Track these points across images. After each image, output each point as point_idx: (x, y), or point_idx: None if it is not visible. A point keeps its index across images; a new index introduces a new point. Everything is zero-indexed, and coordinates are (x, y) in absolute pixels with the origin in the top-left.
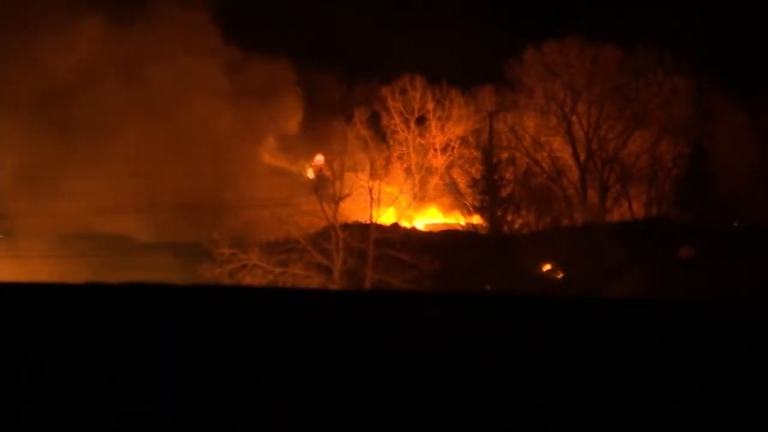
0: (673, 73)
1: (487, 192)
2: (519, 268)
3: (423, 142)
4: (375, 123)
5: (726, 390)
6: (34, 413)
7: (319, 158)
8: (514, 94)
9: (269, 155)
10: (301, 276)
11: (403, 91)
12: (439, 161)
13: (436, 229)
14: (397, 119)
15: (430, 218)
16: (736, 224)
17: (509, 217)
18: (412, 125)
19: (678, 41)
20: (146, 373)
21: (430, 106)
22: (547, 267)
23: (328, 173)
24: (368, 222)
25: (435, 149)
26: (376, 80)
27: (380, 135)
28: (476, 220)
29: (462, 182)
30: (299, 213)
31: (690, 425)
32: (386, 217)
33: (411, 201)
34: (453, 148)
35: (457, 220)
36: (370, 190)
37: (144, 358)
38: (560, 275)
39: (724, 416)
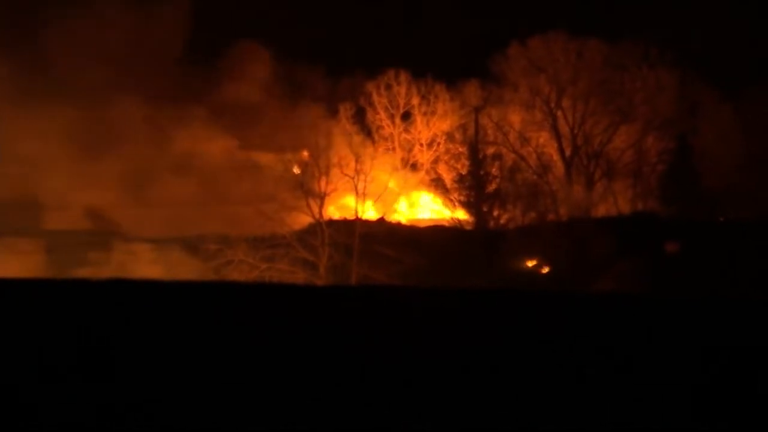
0: (657, 67)
1: (473, 187)
2: (505, 263)
3: (408, 137)
4: (360, 118)
5: (713, 386)
6: (24, 411)
7: (305, 154)
8: (499, 89)
9: (255, 151)
10: (286, 271)
11: (388, 87)
12: (424, 156)
13: (421, 225)
14: (382, 114)
15: (416, 214)
16: (721, 219)
17: (495, 213)
18: (398, 121)
19: (663, 35)
20: (132, 370)
21: (415, 101)
22: (532, 262)
23: (313, 169)
24: (354, 218)
25: (420, 144)
26: (361, 75)
27: (365, 130)
28: (462, 215)
29: (448, 177)
30: (285, 209)
31: (677, 421)
32: (372, 212)
33: (397, 197)
34: (438, 144)
35: (443, 215)
36: (356, 186)
37: (129, 354)
38: (546, 270)
39: (710, 413)
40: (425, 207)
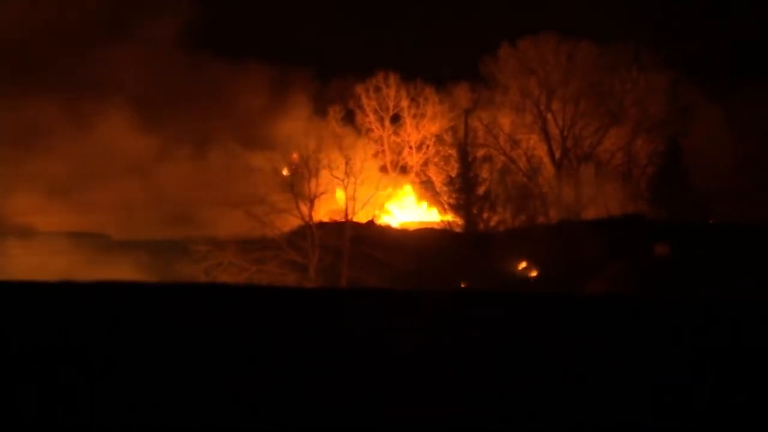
0: (648, 70)
1: (463, 190)
2: (495, 265)
3: (398, 140)
4: (350, 121)
5: (707, 385)
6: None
7: (294, 156)
8: (489, 91)
9: (245, 153)
10: (276, 274)
11: (378, 89)
12: (414, 159)
13: (411, 227)
14: (371, 117)
15: (405, 216)
16: (711, 221)
17: (485, 215)
18: (387, 123)
19: (654, 37)
20: (120, 371)
21: (404, 103)
22: (522, 264)
23: (303, 171)
24: (343, 220)
25: (410, 147)
26: (351, 78)
27: (355, 133)
28: (452, 217)
29: (437, 180)
30: (275, 211)
31: (673, 421)
32: (362, 215)
33: (386, 199)
34: (428, 146)
35: (433, 218)
36: (345, 189)
37: (118, 355)
38: (535, 273)
39: (705, 412)
40: (414, 210)
